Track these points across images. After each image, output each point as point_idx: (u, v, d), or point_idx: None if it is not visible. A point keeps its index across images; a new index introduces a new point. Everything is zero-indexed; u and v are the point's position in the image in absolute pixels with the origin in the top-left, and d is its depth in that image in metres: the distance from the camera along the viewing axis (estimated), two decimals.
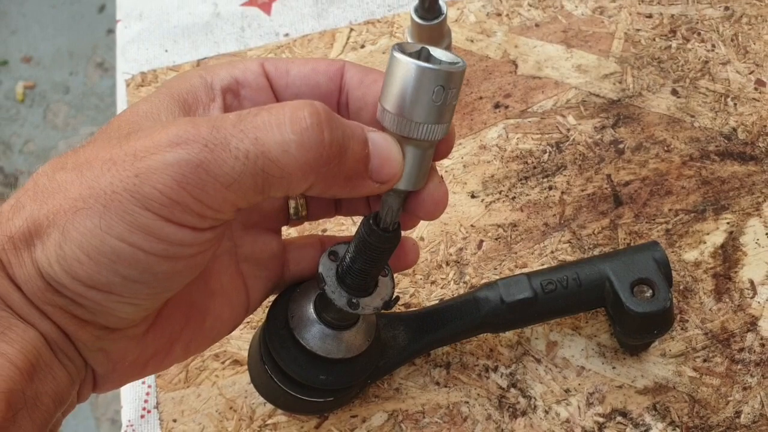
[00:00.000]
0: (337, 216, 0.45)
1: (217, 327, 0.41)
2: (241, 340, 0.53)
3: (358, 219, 0.40)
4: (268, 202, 0.43)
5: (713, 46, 0.64)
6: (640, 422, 0.49)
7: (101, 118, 1.90)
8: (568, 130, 0.60)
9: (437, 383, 0.51)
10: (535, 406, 0.50)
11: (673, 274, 0.53)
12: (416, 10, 0.58)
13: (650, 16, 0.66)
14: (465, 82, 0.63)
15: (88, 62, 1.99)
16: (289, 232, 0.57)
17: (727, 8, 0.65)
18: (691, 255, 0.54)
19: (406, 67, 0.35)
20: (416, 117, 0.35)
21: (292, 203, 0.44)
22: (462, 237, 0.56)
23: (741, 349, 0.51)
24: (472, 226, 0.57)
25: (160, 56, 0.68)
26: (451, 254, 0.56)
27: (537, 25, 0.66)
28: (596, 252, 0.55)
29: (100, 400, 1.52)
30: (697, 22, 0.65)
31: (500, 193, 0.58)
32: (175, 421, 0.51)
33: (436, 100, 0.35)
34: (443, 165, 0.59)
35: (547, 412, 0.50)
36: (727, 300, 0.53)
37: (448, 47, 0.60)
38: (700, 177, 0.57)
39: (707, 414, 0.49)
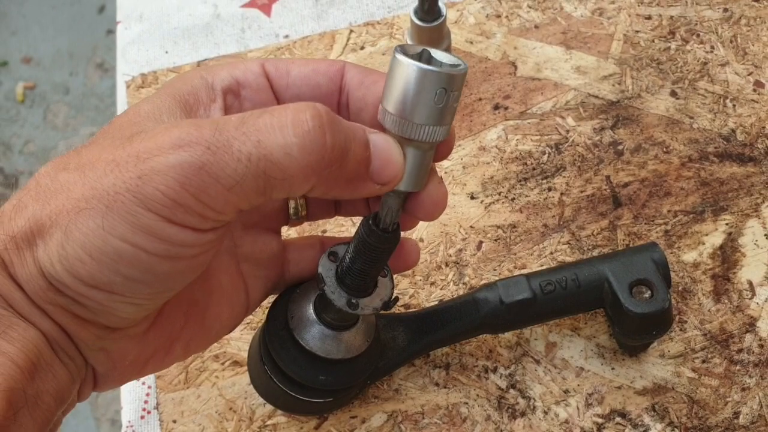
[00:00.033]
0: (336, 216, 0.46)
1: (217, 326, 0.42)
2: (240, 341, 0.53)
3: (358, 220, 0.41)
4: (268, 203, 0.43)
5: (712, 47, 0.64)
6: (639, 423, 0.49)
7: (101, 118, 1.90)
8: (568, 131, 0.61)
9: (437, 384, 0.51)
10: (534, 407, 0.50)
11: (672, 275, 0.53)
12: (416, 12, 0.58)
13: (649, 18, 0.66)
14: (464, 84, 0.63)
15: (88, 63, 1.99)
16: (288, 232, 0.57)
17: (726, 10, 0.66)
18: (689, 256, 0.54)
19: (409, 69, 0.35)
20: (418, 119, 0.36)
21: (291, 203, 0.44)
22: (461, 238, 0.56)
23: (740, 350, 0.51)
24: (471, 227, 0.57)
25: (160, 58, 0.68)
26: (450, 255, 0.56)
27: (536, 27, 0.66)
28: (595, 253, 0.55)
29: (100, 400, 1.52)
30: (696, 24, 0.65)
31: (499, 194, 0.58)
32: (174, 421, 0.51)
33: (438, 103, 0.35)
34: (443, 166, 0.60)
35: (546, 413, 0.50)
36: (726, 301, 0.53)
37: (447, 49, 0.61)
38: (698, 178, 0.58)
39: (706, 414, 0.49)
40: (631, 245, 0.55)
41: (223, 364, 0.52)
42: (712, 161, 0.58)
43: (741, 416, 0.49)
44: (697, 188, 0.57)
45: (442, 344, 0.51)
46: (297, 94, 0.40)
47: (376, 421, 0.50)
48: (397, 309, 0.53)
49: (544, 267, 0.53)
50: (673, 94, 0.62)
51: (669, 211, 0.56)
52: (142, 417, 0.52)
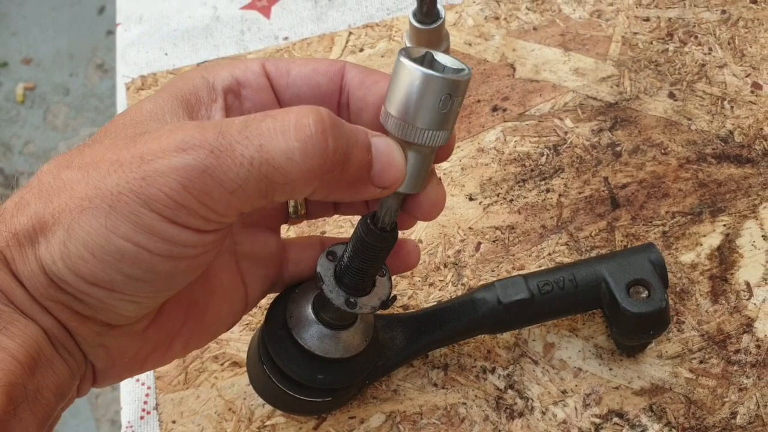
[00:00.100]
0: (336, 215, 0.46)
1: (216, 323, 0.42)
2: (240, 342, 0.53)
3: (357, 219, 0.41)
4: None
5: (710, 49, 0.64)
6: (637, 423, 0.49)
7: (101, 119, 1.90)
8: (566, 133, 0.61)
9: (435, 384, 0.51)
10: (532, 407, 0.50)
11: (670, 276, 0.53)
12: (414, 14, 0.58)
13: (647, 20, 0.66)
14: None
15: (88, 64, 2.00)
16: (288, 232, 0.57)
17: (724, 12, 0.66)
18: (687, 257, 0.55)
19: (414, 74, 0.35)
20: (421, 123, 0.36)
21: (291, 202, 0.44)
22: (460, 239, 0.57)
23: (737, 351, 0.51)
24: (470, 228, 0.57)
25: (159, 59, 0.69)
26: (449, 256, 0.56)
27: (535, 29, 0.66)
28: (593, 254, 0.55)
29: (100, 401, 1.53)
30: (694, 26, 0.65)
31: (498, 195, 0.58)
32: (174, 422, 0.51)
33: (443, 108, 0.35)
34: (441, 167, 0.60)
35: (544, 413, 0.50)
36: (723, 302, 0.53)
37: (446, 51, 0.61)
38: (696, 179, 0.58)
39: (703, 415, 0.49)
40: (629, 246, 0.55)
41: (222, 364, 0.53)
42: (709, 163, 0.59)
43: (738, 416, 0.49)
44: (695, 189, 0.57)
45: (440, 344, 0.51)
46: (297, 94, 0.40)
47: (375, 422, 0.50)
48: (395, 310, 0.54)
49: (542, 268, 0.53)
50: (671, 95, 0.62)
51: (667, 212, 0.57)
52: (142, 417, 0.52)
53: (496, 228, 0.57)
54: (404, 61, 0.35)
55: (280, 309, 0.44)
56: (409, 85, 0.35)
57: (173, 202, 0.32)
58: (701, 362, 0.51)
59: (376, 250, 0.40)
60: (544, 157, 0.60)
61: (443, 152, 0.40)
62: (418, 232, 0.57)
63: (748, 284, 0.53)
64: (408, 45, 0.60)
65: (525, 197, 0.58)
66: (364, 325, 0.45)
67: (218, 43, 0.69)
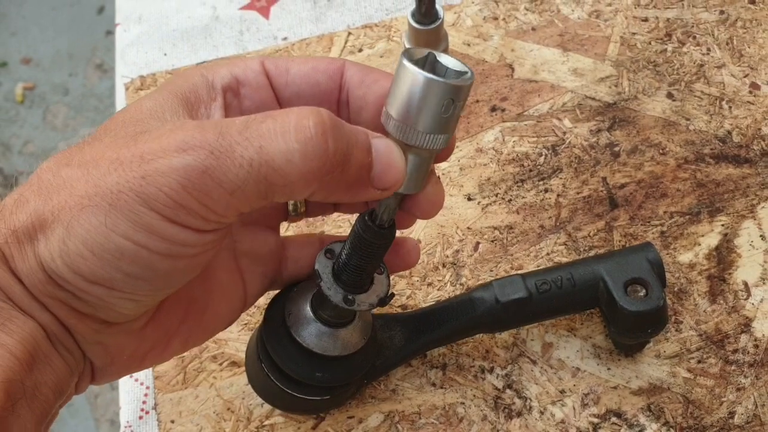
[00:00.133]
0: (335, 214, 0.46)
1: (215, 321, 0.42)
2: (238, 342, 0.53)
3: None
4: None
5: (708, 49, 0.64)
6: (635, 423, 0.49)
7: (100, 119, 1.90)
8: (564, 133, 0.61)
9: (433, 384, 0.51)
10: (530, 407, 0.50)
11: (668, 276, 0.53)
12: (413, 15, 0.58)
13: (646, 20, 0.66)
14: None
15: (88, 64, 2.00)
16: (287, 231, 0.57)
17: (722, 12, 0.66)
18: (685, 257, 0.55)
19: (416, 78, 0.35)
20: (422, 127, 0.36)
21: (291, 201, 0.44)
22: (458, 239, 0.57)
23: (735, 351, 0.51)
24: (468, 228, 0.57)
25: (159, 60, 0.69)
26: (447, 256, 0.56)
27: (533, 29, 0.66)
28: (591, 254, 0.55)
29: (100, 401, 1.53)
30: (693, 26, 0.65)
31: (496, 195, 0.58)
32: (173, 422, 0.51)
33: (445, 113, 0.35)
34: (440, 167, 0.60)
35: (542, 413, 0.50)
36: (722, 301, 0.53)
37: (445, 51, 0.61)
38: (695, 180, 0.58)
39: (701, 414, 0.49)
40: (627, 246, 0.55)
41: (221, 364, 0.53)
42: (708, 163, 0.59)
43: (736, 416, 0.49)
44: (693, 189, 0.57)
45: (438, 344, 0.51)
46: (296, 92, 0.40)
47: (373, 421, 0.50)
48: (394, 310, 0.54)
49: (540, 267, 0.53)
50: (670, 96, 0.62)
51: (665, 212, 0.57)
52: (141, 417, 0.52)
53: (495, 228, 0.57)
54: (407, 64, 0.35)
55: (279, 307, 0.44)
56: (412, 89, 0.35)
57: (173, 201, 0.32)
58: (699, 362, 0.51)
59: (374, 247, 0.40)
60: (543, 157, 0.60)
61: (444, 153, 0.40)
62: (417, 231, 0.57)
63: (746, 284, 0.54)
64: (407, 45, 0.60)
65: (523, 197, 0.58)
66: (363, 323, 0.45)
67: (217, 43, 0.69)
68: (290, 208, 0.45)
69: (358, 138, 0.35)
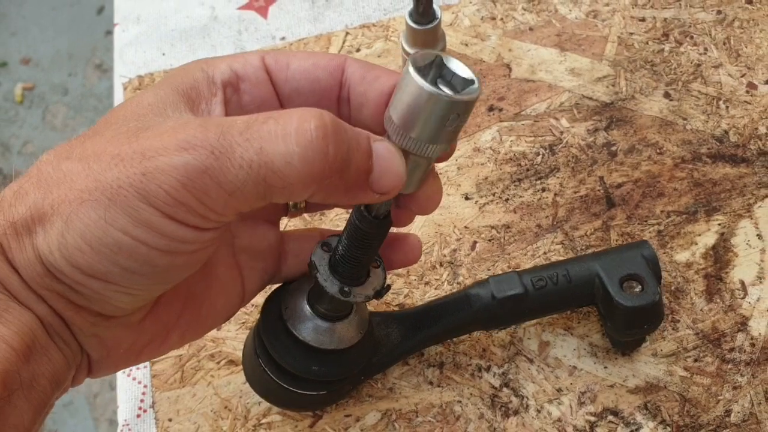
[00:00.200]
0: (335, 209, 0.46)
1: (213, 316, 0.42)
2: (236, 340, 0.53)
3: None
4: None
5: (705, 49, 0.64)
6: (631, 421, 0.49)
7: (100, 119, 1.90)
8: (561, 132, 0.61)
9: (430, 383, 0.51)
10: (527, 406, 0.50)
11: (665, 275, 0.54)
12: (411, 15, 0.58)
13: (643, 20, 0.66)
14: None
15: (87, 64, 2.00)
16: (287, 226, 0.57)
17: (719, 12, 0.66)
18: (682, 256, 0.55)
19: (422, 91, 0.34)
20: (424, 137, 0.35)
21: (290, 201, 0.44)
22: (456, 238, 0.57)
23: (731, 349, 0.51)
24: (465, 227, 0.57)
25: (157, 59, 0.69)
26: (444, 255, 0.56)
27: (531, 29, 0.67)
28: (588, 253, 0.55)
29: (99, 400, 1.53)
30: (690, 26, 0.66)
31: (494, 194, 0.59)
32: (170, 420, 0.51)
33: (449, 126, 0.35)
34: (438, 167, 0.59)
35: (539, 411, 0.50)
36: (718, 300, 0.53)
37: (442, 51, 0.61)
38: (691, 179, 0.58)
39: (698, 413, 0.49)
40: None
41: (218, 363, 0.53)
42: (705, 162, 0.59)
43: (732, 414, 0.49)
44: (690, 189, 0.58)
45: (435, 341, 0.51)
46: (296, 88, 0.40)
47: (370, 420, 0.50)
48: (391, 308, 0.54)
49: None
50: (667, 95, 0.62)
51: (662, 211, 0.57)
52: (138, 416, 0.52)
53: (492, 227, 0.57)
54: (413, 74, 0.34)
55: (276, 301, 0.44)
56: (416, 101, 0.35)
57: (172, 199, 0.32)
58: (696, 360, 0.51)
59: (370, 238, 0.40)
60: (540, 156, 0.60)
61: (443, 155, 0.40)
62: (414, 230, 0.57)
63: (742, 283, 0.54)
64: (404, 45, 0.60)
65: (521, 196, 0.58)
66: (359, 318, 0.45)
67: (215, 43, 0.69)
68: (290, 203, 0.45)
69: (360, 142, 0.35)
